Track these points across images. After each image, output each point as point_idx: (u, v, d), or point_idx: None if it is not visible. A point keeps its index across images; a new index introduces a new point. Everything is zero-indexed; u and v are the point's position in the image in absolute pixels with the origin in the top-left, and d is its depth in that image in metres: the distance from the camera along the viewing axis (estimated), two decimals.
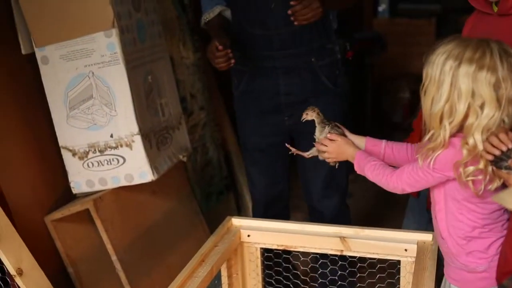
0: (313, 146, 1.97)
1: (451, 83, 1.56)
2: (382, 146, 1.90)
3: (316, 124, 1.95)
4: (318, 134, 1.94)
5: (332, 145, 1.88)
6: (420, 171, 1.65)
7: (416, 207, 2.78)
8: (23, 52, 2.30)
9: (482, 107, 1.54)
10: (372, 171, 1.78)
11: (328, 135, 1.90)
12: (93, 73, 2.26)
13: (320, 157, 1.98)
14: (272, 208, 2.71)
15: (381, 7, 6.00)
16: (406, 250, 1.89)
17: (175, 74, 2.88)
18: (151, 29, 2.51)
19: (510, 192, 1.49)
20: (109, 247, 2.31)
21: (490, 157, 1.51)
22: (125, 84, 2.26)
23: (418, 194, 2.70)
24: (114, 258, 2.32)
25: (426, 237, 1.90)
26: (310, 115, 1.97)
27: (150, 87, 2.45)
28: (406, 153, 1.88)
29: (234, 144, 3.66)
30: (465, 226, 1.70)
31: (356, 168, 1.84)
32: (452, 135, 1.59)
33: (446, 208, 1.72)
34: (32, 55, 2.29)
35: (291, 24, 2.27)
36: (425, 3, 6.03)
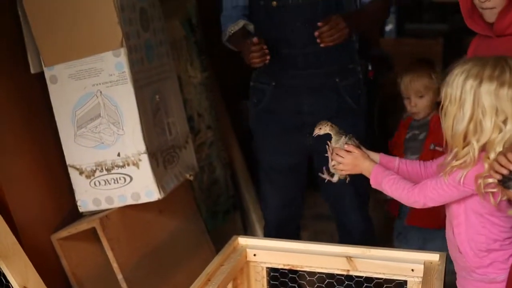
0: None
1: (473, 101, 1.59)
2: (396, 162, 1.92)
3: (333, 136, 1.94)
4: (334, 143, 1.93)
5: (349, 157, 1.88)
6: (445, 186, 1.67)
7: (398, 227, 2.82)
8: (32, 71, 2.32)
9: (505, 122, 1.58)
10: (391, 185, 1.79)
11: (346, 146, 1.89)
12: (101, 92, 2.27)
13: (331, 169, 1.97)
14: (284, 230, 2.69)
15: (388, 27, 6.03)
16: (412, 270, 1.88)
17: (182, 93, 2.90)
18: (159, 49, 2.53)
19: None
20: (115, 266, 2.30)
21: (498, 177, 1.52)
22: (132, 103, 2.27)
23: (398, 213, 2.75)
24: (120, 277, 2.31)
25: (433, 257, 1.89)
26: (323, 129, 1.95)
27: (157, 106, 2.46)
28: (419, 169, 1.90)
29: (240, 163, 3.66)
30: (487, 239, 1.72)
31: (372, 181, 1.85)
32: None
33: (466, 222, 1.73)
34: (41, 74, 2.31)
35: (316, 44, 2.26)
36: (432, 23, 6.05)
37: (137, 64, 2.31)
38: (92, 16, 2.21)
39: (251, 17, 2.53)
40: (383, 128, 5.23)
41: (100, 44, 2.23)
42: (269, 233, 2.73)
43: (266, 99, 2.53)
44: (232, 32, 2.50)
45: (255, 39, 2.24)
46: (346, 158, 1.88)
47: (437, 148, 2.54)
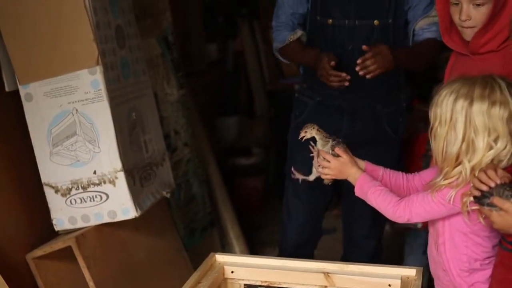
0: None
1: (465, 121, 1.59)
2: (380, 172, 1.92)
3: (318, 139, 1.91)
4: (321, 147, 1.90)
5: (335, 162, 1.86)
6: (433, 203, 1.67)
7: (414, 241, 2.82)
8: (6, 89, 2.29)
9: (496, 141, 1.58)
10: (376, 197, 1.78)
11: (336, 149, 1.87)
12: (77, 110, 2.26)
13: (314, 174, 1.94)
14: (303, 249, 2.68)
15: None
16: (389, 285, 1.89)
17: (159, 111, 2.89)
18: (135, 66, 2.53)
19: None
20: (91, 284, 2.28)
21: (477, 193, 1.52)
22: (108, 121, 2.26)
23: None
24: None
25: (410, 272, 1.90)
26: (309, 132, 1.92)
27: (134, 123, 2.46)
28: (402, 182, 1.91)
29: (218, 179, 3.66)
30: (469, 258, 1.72)
31: (357, 190, 1.84)
32: None
33: (450, 240, 1.73)
34: (16, 92, 2.29)
35: (364, 68, 2.26)
36: None
37: (113, 81, 2.30)
38: (68, 34, 2.20)
39: (305, 29, 2.54)
40: None
41: (76, 62, 2.22)
42: (285, 251, 2.70)
43: (307, 113, 2.54)
44: (291, 40, 2.51)
45: (333, 63, 2.24)
46: (332, 163, 1.86)
47: None
